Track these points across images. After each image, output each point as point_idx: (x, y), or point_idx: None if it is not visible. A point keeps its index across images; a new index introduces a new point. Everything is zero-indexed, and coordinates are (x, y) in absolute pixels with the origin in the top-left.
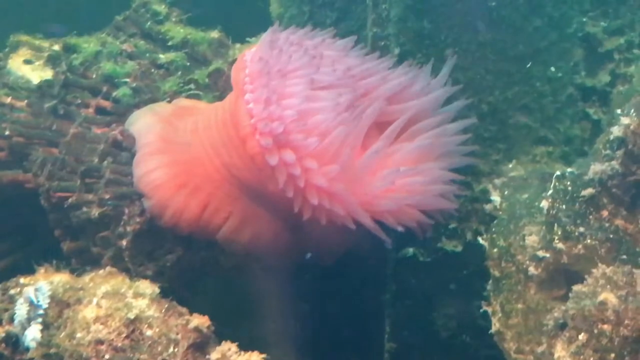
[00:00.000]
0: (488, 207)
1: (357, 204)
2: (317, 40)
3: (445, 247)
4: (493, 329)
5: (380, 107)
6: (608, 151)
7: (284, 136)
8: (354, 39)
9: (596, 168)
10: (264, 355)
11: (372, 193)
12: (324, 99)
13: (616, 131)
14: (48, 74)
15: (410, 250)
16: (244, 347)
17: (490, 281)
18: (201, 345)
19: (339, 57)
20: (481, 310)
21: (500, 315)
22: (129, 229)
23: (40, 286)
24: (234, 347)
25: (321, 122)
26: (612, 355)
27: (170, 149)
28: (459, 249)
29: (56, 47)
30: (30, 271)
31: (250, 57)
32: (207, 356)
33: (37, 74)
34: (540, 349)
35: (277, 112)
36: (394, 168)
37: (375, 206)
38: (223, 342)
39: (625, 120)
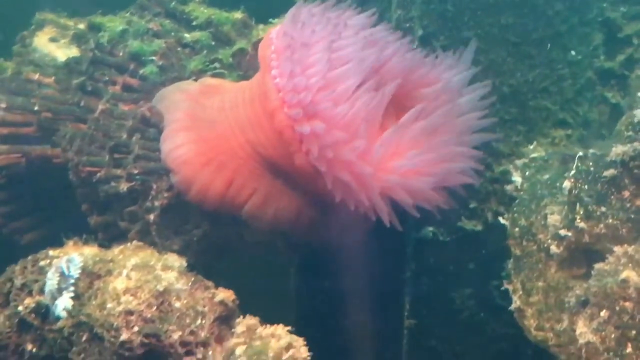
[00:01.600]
0: (509, 187)
1: (378, 192)
2: (340, 12)
3: (465, 226)
4: (513, 306)
5: (399, 83)
6: (630, 133)
7: (312, 106)
8: (376, 15)
9: (618, 150)
10: (288, 328)
11: (393, 173)
12: (347, 61)
13: (638, 113)
14: (73, 51)
15: (430, 229)
16: (267, 320)
17: (512, 260)
18: (227, 318)
19: (361, 28)
20: (502, 289)
21: (520, 292)
22: (156, 203)
23: (72, 257)
24: (258, 320)
25: (347, 90)
26: (634, 332)
27: (197, 125)
28: (479, 228)
29: (81, 26)
30: (56, 244)
31: (275, 34)
32: (233, 329)
33: (62, 51)
34: (561, 326)
35: (302, 83)
36: (413, 152)
37: (392, 187)
38: (248, 315)
39: None
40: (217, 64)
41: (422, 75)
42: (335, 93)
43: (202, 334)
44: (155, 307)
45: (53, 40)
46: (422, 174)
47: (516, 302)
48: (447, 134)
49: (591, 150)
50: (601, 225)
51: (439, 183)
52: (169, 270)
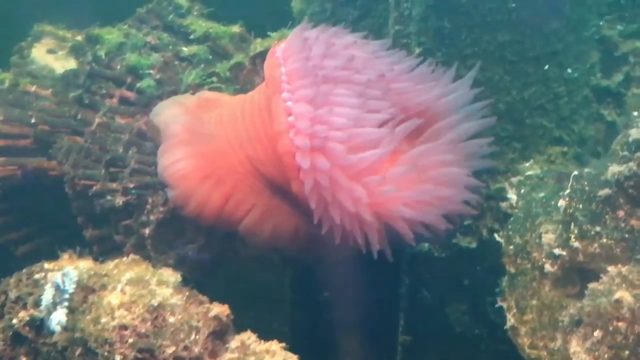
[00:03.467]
0: (504, 205)
1: (375, 234)
2: (349, 40)
3: (460, 243)
4: (507, 324)
5: (414, 125)
6: (625, 152)
7: (323, 142)
8: (384, 42)
9: (614, 169)
10: (282, 344)
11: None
12: (372, 115)
13: (634, 133)
14: (71, 63)
15: (426, 245)
16: (262, 336)
17: (506, 277)
18: (221, 333)
19: (369, 60)
20: (496, 306)
21: (515, 310)
22: (152, 217)
23: (68, 271)
24: (253, 336)
25: (366, 136)
26: (627, 352)
27: (195, 140)
28: (474, 245)
29: (79, 38)
30: (51, 257)
31: (281, 54)
32: (227, 344)
33: (60, 63)
34: (555, 345)
35: (324, 117)
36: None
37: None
38: (242, 330)
39: None
40: (214, 78)
41: (432, 106)
42: (353, 141)
43: (196, 349)
44: (149, 322)
45: (51, 52)
46: (426, 205)
47: (510, 320)
48: (449, 163)
49: (586, 170)
50: (595, 245)
51: (440, 213)
52: (164, 285)
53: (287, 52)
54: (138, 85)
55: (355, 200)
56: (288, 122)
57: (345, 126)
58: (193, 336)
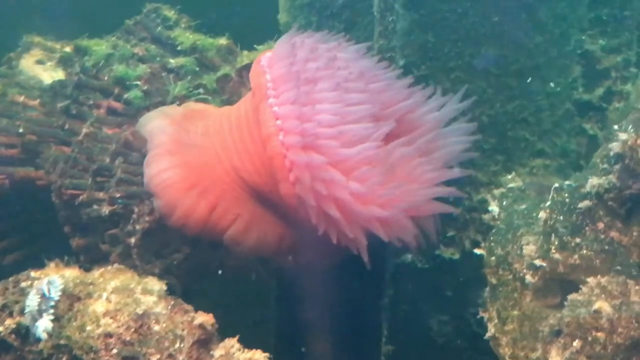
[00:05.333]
0: (486, 217)
1: (362, 226)
2: (332, 44)
3: (442, 254)
4: (488, 335)
5: (392, 128)
6: (605, 165)
7: (314, 139)
8: (367, 45)
9: (593, 181)
10: (266, 354)
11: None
12: (356, 110)
13: (615, 147)
14: (59, 74)
15: (409, 256)
16: (246, 345)
17: (487, 288)
18: (205, 341)
19: (351, 59)
20: (478, 317)
21: (496, 321)
22: (138, 227)
23: (53, 279)
24: (237, 344)
25: (353, 131)
26: None
27: (181, 150)
28: (456, 256)
29: (67, 49)
30: (38, 266)
31: (267, 62)
32: (211, 352)
33: (48, 74)
34: (535, 355)
35: (309, 114)
36: (395, 183)
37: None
38: (226, 339)
39: (623, 136)
40: (201, 90)
41: (415, 116)
42: (345, 135)
43: (181, 358)
44: (134, 330)
45: (39, 62)
46: (402, 202)
47: (491, 330)
48: (427, 164)
49: (567, 182)
50: (575, 256)
51: (419, 212)
52: (149, 293)
53: (272, 59)
54: (125, 96)
55: (352, 194)
56: (276, 125)
57: (331, 122)
58: (178, 344)
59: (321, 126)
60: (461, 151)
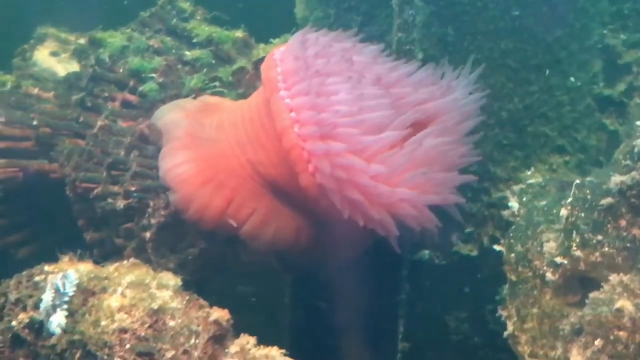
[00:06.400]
0: (506, 213)
1: (388, 207)
2: (347, 44)
3: (460, 250)
4: (507, 332)
5: (418, 116)
6: (628, 162)
7: (331, 128)
8: (382, 46)
9: (616, 179)
10: (283, 350)
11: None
12: (372, 100)
13: (638, 143)
14: (73, 66)
15: (426, 252)
16: (261, 341)
17: (507, 285)
18: (220, 338)
19: (367, 64)
20: (497, 314)
21: (515, 319)
22: (153, 221)
23: (68, 274)
24: (252, 340)
25: (372, 120)
26: None
27: (197, 144)
28: (475, 253)
29: (82, 41)
30: (51, 259)
31: (279, 56)
32: (226, 349)
33: (62, 66)
34: (555, 353)
35: (324, 104)
36: (420, 170)
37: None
38: (242, 335)
39: None
40: (216, 82)
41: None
42: (365, 124)
43: (196, 354)
44: (149, 326)
45: (54, 54)
46: (428, 192)
47: (510, 328)
48: (451, 157)
49: (588, 178)
50: (597, 254)
51: (441, 202)
52: (164, 288)
53: (284, 53)
54: (140, 88)
55: (374, 178)
56: (291, 118)
57: (350, 112)
58: (193, 340)
59: (339, 116)
60: (472, 111)
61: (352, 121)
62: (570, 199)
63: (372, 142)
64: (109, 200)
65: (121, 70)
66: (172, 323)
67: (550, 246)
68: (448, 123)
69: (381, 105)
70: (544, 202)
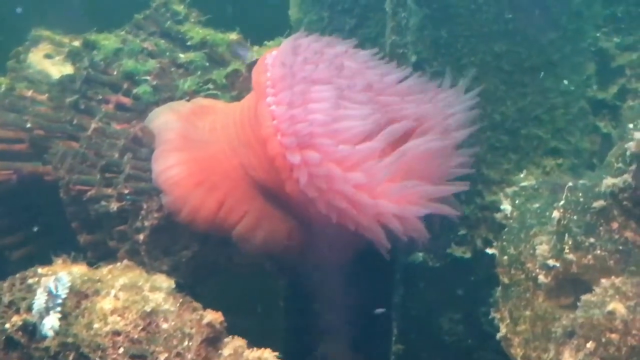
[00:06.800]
0: (499, 215)
1: (374, 216)
2: (339, 50)
3: (454, 253)
4: (500, 335)
5: (406, 127)
6: (620, 164)
7: (309, 138)
8: (375, 51)
9: (608, 181)
10: (276, 353)
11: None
12: (353, 110)
13: (632, 146)
14: (68, 69)
15: (420, 255)
16: (255, 343)
17: (500, 288)
18: (214, 340)
19: (359, 70)
20: (490, 317)
21: (508, 321)
22: (146, 223)
23: (61, 277)
24: (245, 343)
25: (350, 129)
26: None
27: (189, 146)
28: (468, 255)
29: (76, 43)
30: (45, 262)
31: (271, 60)
32: (220, 351)
33: (56, 68)
34: (548, 356)
35: (301, 115)
36: (406, 182)
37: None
38: (235, 337)
39: (638, 135)
40: (210, 85)
41: (425, 115)
42: (338, 133)
43: (189, 356)
44: (142, 328)
45: (48, 57)
46: (413, 203)
47: (502, 331)
48: (439, 167)
49: (581, 181)
50: (589, 256)
51: (427, 211)
52: (157, 291)
53: (276, 58)
54: (134, 91)
55: (355, 187)
56: (274, 126)
57: (325, 121)
58: (186, 343)
59: (314, 125)
60: (466, 117)
61: (327, 130)
62: (562, 202)
63: (351, 152)
64: (103, 202)
65: (115, 73)
66: (165, 325)
67: (542, 249)
68: (437, 131)
69: (362, 115)
70: (536, 205)
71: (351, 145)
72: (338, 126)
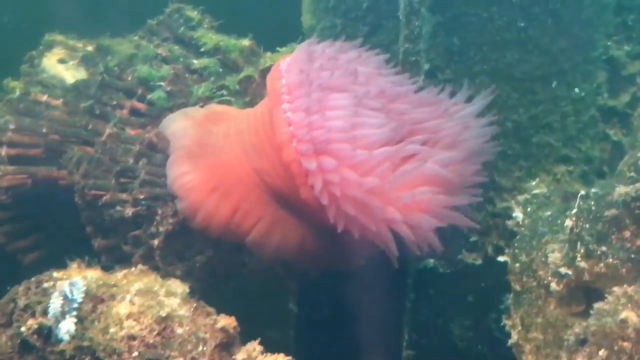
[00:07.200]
0: (510, 223)
1: (386, 223)
2: (352, 55)
3: (465, 259)
4: (511, 341)
5: (424, 139)
6: (633, 174)
7: (325, 144)
8: (387, 56)
9: (620, 190)
10: (289, 358)
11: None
12: (370, 118)
13: None
14: (81, 73)
15: (431, 261)
16: (267, 349)
17: (511, 295)
18: (227, 345)
19: (372, 76)
20: (501, 324)
21: (519, 328)
22: (161, 229)
23: (75, 281)
24: (259, 347)
25: (369, 136)
26: None
27: (204, 152)
28: (479, 262)
29: (90, 48)
30: (59, 265)
31: (285, 67)
32: (233, 356)
33: (70, 73)
34: None
35: (319, 122)
36: (420, 188)
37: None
38: (248, 342)
39: None
40: (224, 91)
41: (439, 127)
42: (356, 140)
43: None
44: (157, 333)
45: (62, 61)
46: (427, 212)
47: (514, 338)
48: (455, 173)
49: (593, 190)
50: (601, 265)
51: (441, 223)
52: (172, 296)
53: (290, 65)
54: (149, 96)
55: (369, 192)
56: (289, 132)
57: (344, 128)
58: (200, 347)
59: (332, 132)
60: (483, 143)
61: (345, 137)
62: (575, 210)
63: (368, 158)
64: (118, 207)
65: (129, 79)
66: (180, 330)
67: (554, 257)
68: (452, 143)
69: (379, 123)
70: (548, 213)
71: (368, 151)
72: (356, 133)
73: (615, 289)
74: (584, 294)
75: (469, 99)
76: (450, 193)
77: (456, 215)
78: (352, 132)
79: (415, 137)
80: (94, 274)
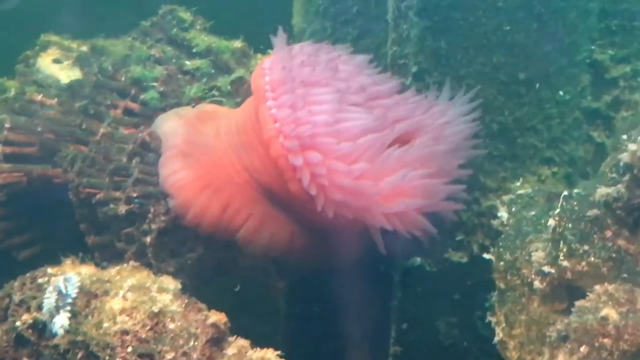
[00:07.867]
0: (495, 222)
1: (377, 203)
2: (334, 55)
3: (451, 257)
4: (496, 339)
5: (410, 127)
6: (614, 175)
7: (311, 139)
8: (369, 57)
9: (602, 191)
10: (278, 352)
11: (384, 193)
12: (354, 112)
13: (625, 157)
14: (76, 73)
15: (418, 259)
16: (257, 344)
17: (496, 293)
18: (218, 340)
19: (353, 73)
20: (486, 321)
21: (504, 325)
22: (153, 226)
23: (70, 277)
24: (248, 343)
25: (352, 129)
26: None
27: (195, 151)
28: (465, 260)
29: (84, 48)
30: (53, 262)
31: (268, 65)
32: (224, 351)
33: (65, 73)
34: (542, 359)
35: (305, 117)
36: (404, 170)
37: (385, 208)
38: (238, 338)
39: (632, 147)
40: (215, 92)
41: (421, 122)
42: (341, 133)
43: (195, 356)
44: (149, 328)
45: (56, 61)
46: (411, 195)
47: (499, 334)
48: (442, 168)
49: (576, 190)
50: (583, 263)
51: (426, 207)
52: (164, 292)
53: (272, 62)
54: (142, 97)
55: (358, 177)
56: (276, 129)
57: (328, 122)
58: (192, 343)
59: (317, 126)
60: (467, 135)
61: (330, 131)
62: (558, 210)
63: (353, 148)
64: (111, 205)
65: (123, 79)
66: (172, 326)
67: (538, 255)
68: (435, 138)
69: (363, 116)
70: (532, 213)
71: (352, 142)
72: (340, 127)
73: (597, 287)
74: (567, 291)
75: (452, 98)
76: (437, 177)
77: (444, 200)
78: (337, 125)
79: (397, 126)
80: (87, 270)
